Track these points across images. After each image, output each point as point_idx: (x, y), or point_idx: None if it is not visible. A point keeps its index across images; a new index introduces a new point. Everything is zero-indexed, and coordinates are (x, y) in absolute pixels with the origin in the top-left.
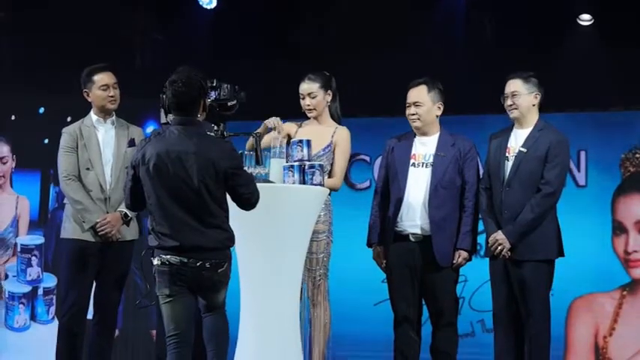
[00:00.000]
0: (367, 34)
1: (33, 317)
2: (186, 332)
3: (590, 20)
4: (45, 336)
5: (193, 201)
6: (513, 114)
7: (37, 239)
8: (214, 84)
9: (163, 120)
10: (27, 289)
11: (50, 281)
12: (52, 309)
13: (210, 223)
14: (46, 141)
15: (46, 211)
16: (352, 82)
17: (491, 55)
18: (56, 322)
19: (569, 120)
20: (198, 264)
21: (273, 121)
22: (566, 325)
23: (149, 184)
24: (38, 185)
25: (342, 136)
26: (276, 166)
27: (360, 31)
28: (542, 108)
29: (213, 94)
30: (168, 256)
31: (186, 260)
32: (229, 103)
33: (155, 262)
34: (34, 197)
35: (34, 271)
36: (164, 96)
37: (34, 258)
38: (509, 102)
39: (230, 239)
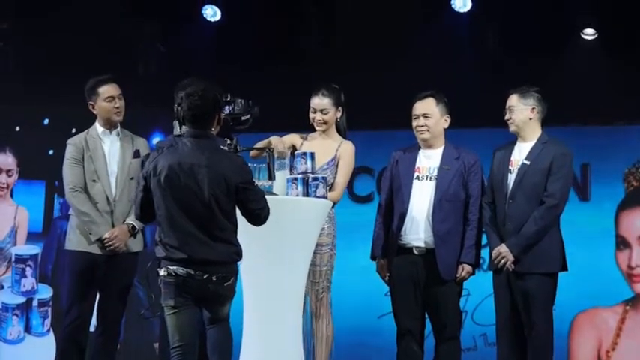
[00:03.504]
0: (371, 47)
1: (28, 329)
2: (190, 343)
3: (594, 35)
4: (40, 349)
5: (203, 214)
6: (510, 128)
7: (32, 249)
8: (228, 98)
9: (177, 132)
10: (21, 300)
11: (46, 292)
12: (48, 321)
13: (218, 237)
14: (51, 152)
15: (51, 223)
16: (356, 94)
17: (494, 69)
18: (52, 335)
19: (573, 134)
20: (204, 277)
21: (276, 143)
22: (569, 339)
23: (159, 196)
24: (43, 197)
25: (346, 150)
26: (279, 178)
27: (364, 44)
28: (545, 122)
29: (227, 109)
30: (175, 267)
31: (192, 272)
32: (243, 118)
33: (161, 272)
34: (38, 209)
35: (28, 282)
36: (179, 108)
37: (28, 268)
38: (507, 116)
39: (237, 253)
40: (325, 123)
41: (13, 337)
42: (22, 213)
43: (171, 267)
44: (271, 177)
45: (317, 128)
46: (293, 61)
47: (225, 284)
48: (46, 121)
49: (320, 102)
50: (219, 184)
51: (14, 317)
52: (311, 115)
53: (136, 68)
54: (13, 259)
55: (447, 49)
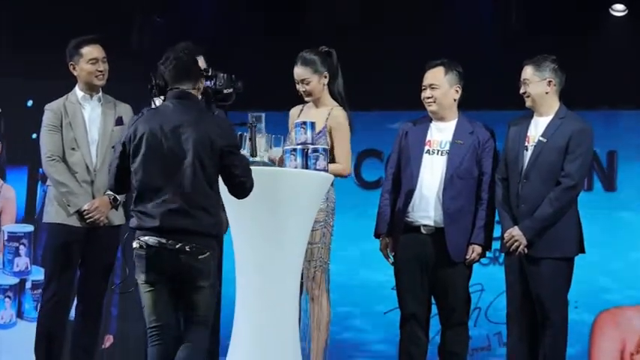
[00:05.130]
0: (382, 20)
1: (20, 314)
2: (167, 324)
3: (624, 11)
4: (32, 335)
5: (185, 180)
6: (527, 102)
7: (26, 227)
8: (210, 73)
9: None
10: (14, 281)
11: (39, 274)
12: None
13: (199, 206)
14: (35, 136)
15: (33, 210)
16: (365, 71)
17: (516, 48)
18: None
19: (600, 118)
20: (177, 246)
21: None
22: (590, 339)
23: (139, 161)
24: (25, 183)
25: (337, 118)
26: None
27: (375, 18)
28: (570, 105)
29: (208, 83)
30: (147, 237)
31: (164, 241)
32: (225, 91)
33: (134, 245)
34: (20, 195)
35: (22, 262)
36: (158, 74)
37: (22, 247)
38: (522, 90)
39: (216, 226)
40: (310, 94)
41: (5, 321)
42: (7, 191)
43: (142, 238)
44: (254, 153)
45: (305, 99)
46: (297, 34)
47: (200, 257)
48: (30, 103)
49: (300, 72)
50: (204, 145)
51: (6, 300)
52: (297, 86)
53: (129, 41)
54: (5, 237)
55: (467, 25)
